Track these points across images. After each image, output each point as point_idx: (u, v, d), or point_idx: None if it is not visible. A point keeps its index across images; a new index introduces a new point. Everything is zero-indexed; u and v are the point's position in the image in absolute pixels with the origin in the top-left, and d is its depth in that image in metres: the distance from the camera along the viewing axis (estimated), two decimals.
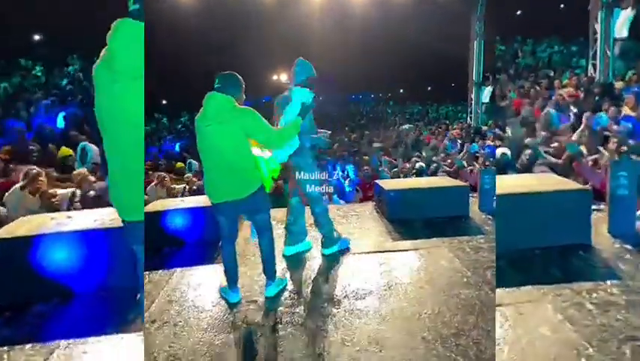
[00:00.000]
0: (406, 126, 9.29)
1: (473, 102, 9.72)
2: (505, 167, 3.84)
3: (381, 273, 2.64)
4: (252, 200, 2.17)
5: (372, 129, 11.21)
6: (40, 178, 3.22)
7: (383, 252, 2.97)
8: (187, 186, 5.03)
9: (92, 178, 3.81)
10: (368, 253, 2.92)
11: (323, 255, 2.88)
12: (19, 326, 2.16)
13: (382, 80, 23.65)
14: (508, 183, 3.07)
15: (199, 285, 2.63)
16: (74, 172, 4.02)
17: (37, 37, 11.81)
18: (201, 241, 3.36)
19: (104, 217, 2.66)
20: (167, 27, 9.70)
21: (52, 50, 9.33)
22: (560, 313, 2.07)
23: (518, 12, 17.37)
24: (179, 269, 2.87)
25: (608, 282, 2.32)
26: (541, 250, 2.70)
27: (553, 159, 3.90)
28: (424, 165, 5.39)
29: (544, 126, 4.77)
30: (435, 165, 5.45)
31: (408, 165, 5.51)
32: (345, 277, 2.61)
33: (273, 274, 2.37)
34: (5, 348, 1.92)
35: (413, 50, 17.95)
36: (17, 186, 3.19)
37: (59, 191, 3.45)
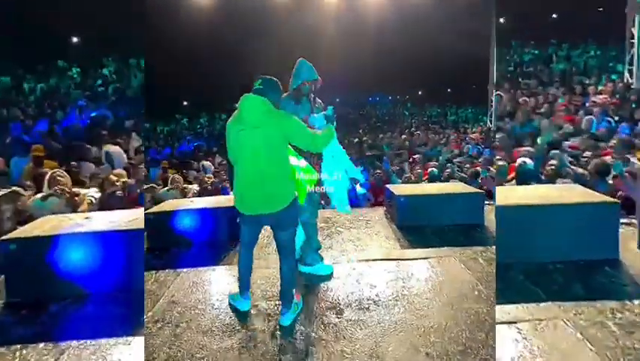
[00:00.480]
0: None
1: (494, 105, 9.39)
2: (526, 177, 3.56)
3: (387, 282, 2.55)
4: (283, 215, 2.03)
5: (387, 132, 10.98)
6: (61, 178, 3.29)
7: (390, 260, 2.87)
8: (198, 187, 5.10)
9: (114, 178, 3.87)
10: (375, 260, 2.84)
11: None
12: (34, 325, 2.20)
13: (400, 82, 23.35)
14: (529, 194, 2.89)
15: (203, 287, 2.63)
16: (115, 171, 4.18)
17: (75, 40, 12.43)
18: (208, 243, 3.37)
19: (121, 219, 2.68)
20: (187, 31, 9.96)
21: (88, 52, 9.75)
22: (579, 333, 1.92)
23: (554, 15, 16.70)
24: (185, 270, 2.88)
25: (635, 301, 2.14)
26: (564, 265, 2.52)
27: (579, 170, 3.65)
28: (436, 170, 5.21)
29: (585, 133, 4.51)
30: (449, 170, 5.26)
31: (419, 170, 5.34)
32: (349, 285, 2.54)
33: (290, 300, 2.16)
34: (18, 346, 1.96)
35: (432, 51, 17.58)
36: (38, 196, 3.21)
37: (83, 191, 3.52)
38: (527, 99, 6.30)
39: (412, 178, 5.14)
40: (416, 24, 13.55)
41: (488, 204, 3.82)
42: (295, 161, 2.13)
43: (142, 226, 2.56)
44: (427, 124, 12.69)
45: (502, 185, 3.51)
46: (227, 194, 4.86)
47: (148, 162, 7.15)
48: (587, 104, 5.83)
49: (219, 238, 3.40)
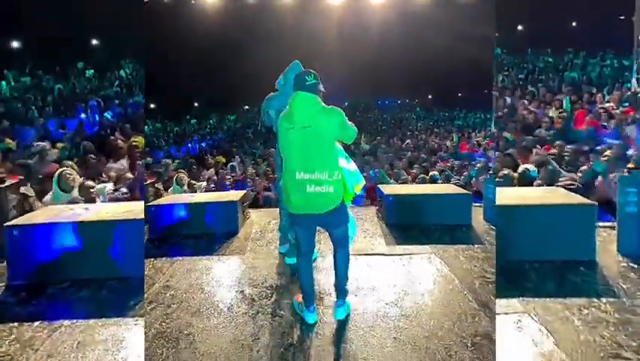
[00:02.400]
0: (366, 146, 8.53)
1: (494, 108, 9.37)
2: (528, 184, 3.57)
3: (367, 275, 2.69)
4: (335, 213, 2.02)
5: (393, 135, 11.05)
6: (69, 174, 3.44)
7: (372, 255, 3.01)
8: (205, 185, 5.32)
9: (130, 175, 4.03)
10: (359, 255, 2.97)
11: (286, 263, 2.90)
12: (31, 306, 2.37)
13: (410, 86, 23.34)
14: (511, 195, 2.98)
15: (196, 273, 2.82)
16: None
17: (94, 42, 12.96)
18: (205, 235, 3.56)
19: (117, 210, 2.89)
20: (197, 34, 10.31)
21: (106, 54, 10.11)
22: (544, 326, 2.02)
23: (574, 23, 16.41)
24: (180, 258, 3.09)
25: (603, 299, 2.23)
26: (540, 264, 2.60)
27: (568, 175, 3.70)
28: (437, 173, 5.28)
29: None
30: (446, 173, 5.32)
31: (421, 174, 5.41)
32: (331, 276, 2.68)
33: (345, 291, 2.17)
34: (16, 324, 2.15)
35: (443, 55, 17.61)
36: (48, 197, 3.38)
37: (98, 186, 3.72)
38: (527, 114, 6.16)
39: (410, 181, 5.24)
40: (425, 28, 13.63)
41: (477, 205, 3.91)
42: (345, 163, 2.11)
43: (139, 216, 2.75)
44: (433, 128, 12.67)
45: None
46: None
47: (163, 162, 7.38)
48: (593, 112, 5.78)
49: (216, 231, 3.60)
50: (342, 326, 2.12)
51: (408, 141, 9.63)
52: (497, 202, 2.71)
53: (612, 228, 2.98)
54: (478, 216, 3.78)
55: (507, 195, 2.95)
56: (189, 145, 9.00)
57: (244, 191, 4.19)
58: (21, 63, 8.79)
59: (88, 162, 4.36)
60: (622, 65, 8.27)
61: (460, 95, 23.48)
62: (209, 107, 19.32)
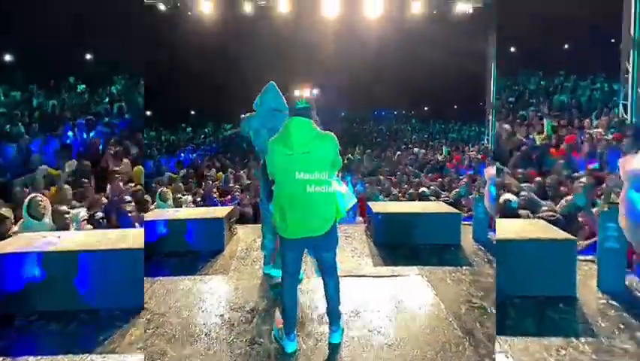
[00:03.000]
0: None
1: (491, 124, 9.46)
2: (509, 215, 3.44)
3: (352, 299, 2.62)
4: (327, 237, 2.03)
5: (387, 147, 11.06)
6: (40, 202, 3.22)
7: (359, 276, 2.95)
8: (192, 199, 5.24)
9: (104, 200, 3.85)
10: (344, 276, 2.88)
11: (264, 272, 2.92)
12: None
13: (406, 98, 23.60)
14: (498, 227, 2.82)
15: (175, 295, 2.73)
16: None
17: (88, 57, 12.92)
18: (187, 253, 3.48)
19: (90, 239, 2.70)
20: (194, 44, 10.37)
21: (99, 69, 9.98)
22: None
23: (566, 46, 16.63)
24: (161, 278, 3.00)
25: (582, 339, 2.13)
26: (521, 300, 2.48)
27: (548, 205, 3.57)
28: (426, 189, 5.24)
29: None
30: (435, 189, 5.27)
31: (411, 190, 5.36)
32: (314, 299, 2.61)
33: (338, 317, 2.15)
34: None
35: (438, 68, 17.86)
36: (18, 225, 3.20)
37: (73, 211, 3.49)
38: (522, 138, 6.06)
39: (400, 197, 5.19)
40: (421, 42, 13.84)
41: (467, 223, 3.88)
42: (336, 185, 2.11)
43: (117, 246, 2.57)
44: (427, 141, 12.71)
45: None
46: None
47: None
48: (582, 138, 5.67)
49: (200, 249, 3.51)
50: (322, 356, 2.04)
51: (399, 152, 9.64)
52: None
53: (593, 262, 2.85)
54: (467, 235, 3.75)
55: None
56: (182, 155, 8.92)
57: (230, 207, 4.13)
58: (12, 76, 8.61)
59: (85, 189, 4.16)
60: (612, 89, 8.30)
61: (455, 107, 23.81)
62: (206, 115, 19.35)
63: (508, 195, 3.54)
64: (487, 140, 9.33)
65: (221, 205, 4.93)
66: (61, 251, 2.51)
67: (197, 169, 6.85)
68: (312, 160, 1.94)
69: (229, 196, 5.42)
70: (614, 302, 2.42)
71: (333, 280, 2.15)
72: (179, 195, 5.19)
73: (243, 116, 2.96)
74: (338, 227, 2.17)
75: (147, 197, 4.82)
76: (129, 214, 3.32)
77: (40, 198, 3.22)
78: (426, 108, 27.02)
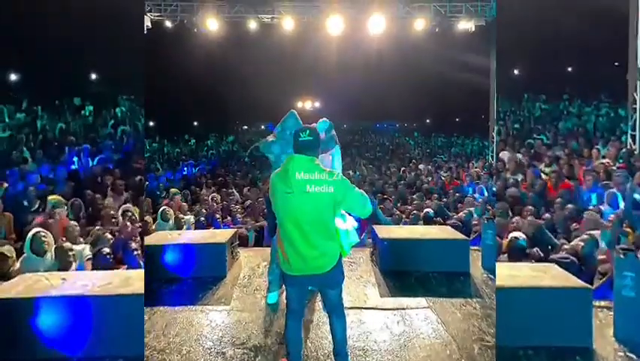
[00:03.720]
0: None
1: (495, 139, 9.41)
2: (517, 253, 3.27)
3: (359, 334, 2.51)
4: (332, 274, 1.96)
5: (389, 162, 10.97)
6: (44, 237, 3.10)
7: (366, 308, 2.84)
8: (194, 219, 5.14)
9: (109, 236, 3.61)
10: (350, 308, 2.80)
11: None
12: None
13: (408, 110, 23.71)
14: (500, 272, 2.62)
15: (175, 328, 2.62)
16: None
17: (93, 77, 12.95)
18: (188, 279, 3.38)
19: (94, 282, 2.51)
20: (199, 59, 10.50)
21: (104, 90, 9.86)
22: None
23: (569, 69, 16.56)
24: (160, 308, 2.90)
25: None
26: (534, 351, 2.30)
27: (563, 247, 3.37)
28: (431, 211, 5.13)
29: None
30: (439, 211, 5.12)
31: (415, 211, 5.23)
32: (320, 336, 2.51)
33: (346, 356, 2.08)
34: None
35: (440, 81, 17.99)
36: (23, 258, 3.09)
37: (75, 247, 3.31)
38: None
39: (404, 218, 5.08)
40: (424, 56, 13.96)
41: (475, 248, 3.77)
42: (341, 223, 2.06)
43: (117, 291, 2.41)
44: (430, 156, 12.65)
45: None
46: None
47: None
48: (590, 167, 5.40)
49: (201, 275, 3.42)
50: None
51: (403, 168, 9.53)
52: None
53: (609, 308, 2.67)
54: (476, 261, 3.64)
55: (498, 274, 2.60)
56: (185, 169, 8.89)
57: (232, 230, 4.04)
58: (17, 98, 8.47)
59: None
60: (617, 115, 8.19)
61: (457, 120, 23.85)
62: (208, 127, 19.45)
63: (516, 233, 3.40)
64: (492, 156, 9.26)
65: (223, 227, 4.85)
66: (62, 296, 2.37)
67: (199, 186, 6.76)
68: (313, 201, 1.86)
69: (229, 217, 5.31)
70: (632, 355, 2.27)
71: (340, 322, 2.07)
72: (181, 216, 5.09)
73: (266, 138, 2.94)
74: (343, 262, 2.09)
75: (148, 217, 4.76)
76: (134, 252, 3.23)
77: (43, 233, 3.11)
78: (428, 121, 27.16)
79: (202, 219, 4.99)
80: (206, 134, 18.31)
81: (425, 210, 5.16)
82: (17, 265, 3.06)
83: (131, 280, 2.55)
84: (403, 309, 2.83)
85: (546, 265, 2.75)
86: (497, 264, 2.95)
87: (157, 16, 8.16)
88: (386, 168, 9.37)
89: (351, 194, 1.93)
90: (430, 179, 8.03)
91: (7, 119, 7.66)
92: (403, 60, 14.65)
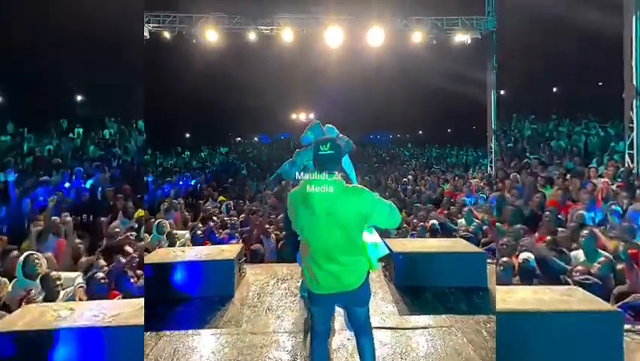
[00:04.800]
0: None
1: (493, 151, 9.49)
2: (528, 275, 3.17)
3: (383, 357, 2.36)
4: (361, 291, 1.87)
5: (387, 173, 10.92)
6: (37, 260, 2.93)
7: (387, 328, 2.69)
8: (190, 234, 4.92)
9: (102, 262, 3.37)
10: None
11: None
12: None
13: (400, 120, 23.97)
14: (515, 297, 2.45)
15: (185, 356, 2.43)
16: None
17: (79, 98, 12.67)
18: (196, 298, 3.19)
19: (104, 312, 2.35)
20: (197, 70, 10.44)
21: (91, 111, 9.58)
22: None
23: (554, 89, 16.96)
24: (167, 332, 2.69)
25: None
26: None
27: (580, 267, 3.15)
28: (437, 223, 5.05)
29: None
30: (446, 225, 5.02)
31: (421, 224, 5.12)
32: (346, 357, 2.34)
33: None
34: None
35: (432, 92, 18.30)
36: (14, 282, 2.90)
37: (68, 275, 3.09)
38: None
39: (410, 230, 4.98)
40: (417, 66, 14.21)
41: (491, 263, 3.68)
42: (367, 236, 1.98)
43: (130, 322, 2.23)
44: (428, 167, 12.68)
45: (509, 284, 3.19)
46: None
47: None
48: (587, 187, 5.29)
49: (209, 294, 3.22)
50: None
51: (405, 179, 9.47)
52: (512, 307, 2.21)
53: (637, 333, 2.57)
54: (492, 275, 3.53)
55: (510, 297, 2.44)
56: (180, 182, 8.66)
57: (239, 245, 3.87)
58: (2, 121, 8.18)
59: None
60: (607, 134, 8.31)
61: (449, 131, 24.20)
62: (200, 139, 19.22)
63: (526, 254, 3.30)
64: (491, 166, 9.31)
65: (221, 242, 4.65)
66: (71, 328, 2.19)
67: (196, 199, 6.54)
68: (339, 221, 1.77)
69: (227, 230, 5.08)
70: None
71: (369, 342, 1.96)
72: (175, 232, 4.81)
73: (284, 164, 2.87)
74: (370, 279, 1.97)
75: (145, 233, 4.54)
76: (131, 280, 3.02)
77: (36, 256, 2.93)
78: (420, 132, 27.49)
79: (199, 232, 4.77)
80: (198, 146, 18.07)
81: (431, 221, 5.06)
82: (9, 287, 2.85)
83: (127, 310, 2.35)
84: (425, 328, 2.70)
85: (570, 287, 2.65)
86: (520, 288, 2.84)
87: (155, 27, 8.07)
88: (385, 179, 9.29)
89: (379, 208, 1.84)
90: (430, 190, 7.97)
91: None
92: (399, 72, 14.89)
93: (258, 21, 7.93)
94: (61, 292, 2.90)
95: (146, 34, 7.93)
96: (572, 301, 2.34)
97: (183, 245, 4.65)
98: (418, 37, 8.43)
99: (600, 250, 3.39)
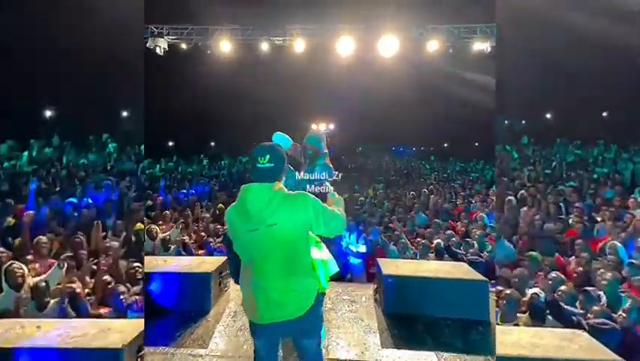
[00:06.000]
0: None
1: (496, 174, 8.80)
2: (538, 312, 2.78)
3: None
4: (310, 318, 1.66)
5: (403, 186, 10.46)
6: (18, 269, 2.93)
7: None
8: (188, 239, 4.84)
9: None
10: (345, 360, 2.36)
11: None
12: None
13: (424, 133, 23.23)
14: (521, 341, 2.09)
15: None
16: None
17: (48, 114, 12.85)
18: (170, 311, 3.04)
19: (69, 331, 2.28)
20: (213, 77, 10.71)
21: (66, 130, 9.52)
22: None
23: (604, 113, 15.74)
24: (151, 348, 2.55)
25: None
26: None
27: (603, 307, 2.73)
28: (441, 242, 4.61)
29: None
30: (454, 245, 4.56)
31: (423, 241, 4.71)
32: None
33: None
34: None
35: (457, 103, 17.59)
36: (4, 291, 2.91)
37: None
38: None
39: (412, 248, 4.58)
40: (438, 76, 13.77)
41: (493, 292, 3.24)
42: (316, 252, 1.79)
43: (92, 344, 2.13)
44: (448, 181, 12.04)
45: (513, 320, 2.82)
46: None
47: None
48: (626, 218, 4.67)
49: (183, 308, 3.07)
50: None
51: (415, 191, 8.97)
52: (517, 352, 1.88)
53: None
54: (495, 307, 3.10)
55: (505, 337, 2.13)
56: (192, 190, 8.75)
57: (223, 258, 3.71)
58: (48, 132, 8.60)
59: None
60: None
61: (476, 144, 23.10)
62: (224, 148, 19.67)
63: (537, 289, 2.87)
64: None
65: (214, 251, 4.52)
66: (32, 348, 2.13)
67: (193, 207, 6.43)
68: (283, 233, 1.60)
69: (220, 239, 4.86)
70: None
71: None
72: (169, 237, 4.70)
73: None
74: (324, 301, 1.78)
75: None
76: (121, 296, 2.91)
77: (17, 266, 2.93)
78: (445, 145, 26.50)
79: (191, 241, 4.68)
80: (220, 155, 18.48)
81: (436, 241, 4.64)
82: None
83: (111, 331, 2.25)
84: None
85: (574, 331, 2.23)
86: (518, 328, 2.45)
87: (173, 38, 8.38)
88: (397, 192, 8.87)
89: (324, 214, 1.66)
90: (446, 206, 7.46)
91: (34, 154, 7.79)
92: (417, 81, 14.50)
93: (271, 32, 8.02)
94: (51, 301, 2.84)
95: (165, 45, 8.26)
96: (570, 349, 1.94)
97: (179, 253, 4.59)
98: (434, 45, 8.11)
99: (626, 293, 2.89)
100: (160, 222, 5.19)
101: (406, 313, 2.95)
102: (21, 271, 2.95)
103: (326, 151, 2.80)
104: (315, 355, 1.73)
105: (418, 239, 4.70)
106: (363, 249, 4.79)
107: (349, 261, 4.39)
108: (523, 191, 6.50)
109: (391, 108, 19.83)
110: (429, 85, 16.14)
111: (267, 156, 1.64)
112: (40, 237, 3.61)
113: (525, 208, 5.76)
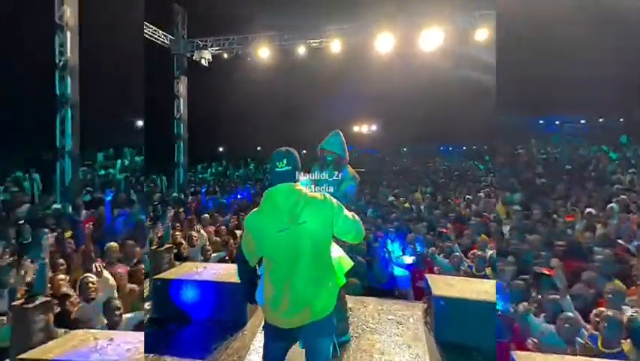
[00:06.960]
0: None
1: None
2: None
3: None
4: (327, 320, 1.67)
5: (452, 189, 9.54)
6: (91, 283, 3.02)
7: None
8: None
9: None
10: None
11: None
12: None
13: (476, 130, 21.47)
14: None
15: None
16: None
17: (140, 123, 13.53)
18: (207, 321, 2.99)
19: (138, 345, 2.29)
20: (255, 84, 10.99)
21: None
22: None
23: None
24: (167, 358, 2.52)
25: None
26: None
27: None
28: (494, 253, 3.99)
29: None
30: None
31: (478, 252, 4.12)
32: None
33: None
34: None
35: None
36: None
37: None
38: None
39: (466, 261, 4.04)
40: (492, 69, 12.61)
41: None
42: (334, 251, 1.80)
43: None
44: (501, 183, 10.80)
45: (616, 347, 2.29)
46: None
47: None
48: None
49: (219, 318, 2.98)
50: None
51: (480, 193, 8.04)
52: None
53: None
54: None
55: None
56: (238, 195, 8.99)
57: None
58: (141, 142, 9.06)
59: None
60: None
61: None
62: (269, 152, 20.16)
63: (633, 310, 2.31)
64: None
65: None
66: None
67: (238, 215, 6.45)
68: (311, 231, 1.62)
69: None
70: None
71: None
72: (208, 247, 4.72)
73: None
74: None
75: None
76: (117, 312, 2.86)
77: (91, 279, 3.04)
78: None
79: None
80: (266, 160, 18.87)
81: (489, 253, 4.04)
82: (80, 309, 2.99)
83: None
84: None
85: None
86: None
87: (217, 49, 8.73)
88: (446, 197, 8.08)
89: (345, 216, 1.69)
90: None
91: (126, 162, 8.50)
92: (465, 75, 13.44)
93: (307, 35, 7.97)
94: (123, 317, 2.89)
95: (209, 56, 8.64)
96: None
97: (222, 260, 4.61)
98: (483, 34, 7.31)
99: None
100: (198, 228, 5.25)
101: (460, 342, 2.55)
102: (93, 285, 3.02)
103: (347, 157, 2.51)
104: (327, 356, 1.69)
105: (474, 250, 4.14)
106: (409, 260, 4.39)
107: (394, 273, 4.01)
108: (624, 196, 5.58)
109: (438, 105, 18.70)
110: (478, 78, 14.89)
111: (285, 160, 1.67)
112: (112, 243, 3.82)
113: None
